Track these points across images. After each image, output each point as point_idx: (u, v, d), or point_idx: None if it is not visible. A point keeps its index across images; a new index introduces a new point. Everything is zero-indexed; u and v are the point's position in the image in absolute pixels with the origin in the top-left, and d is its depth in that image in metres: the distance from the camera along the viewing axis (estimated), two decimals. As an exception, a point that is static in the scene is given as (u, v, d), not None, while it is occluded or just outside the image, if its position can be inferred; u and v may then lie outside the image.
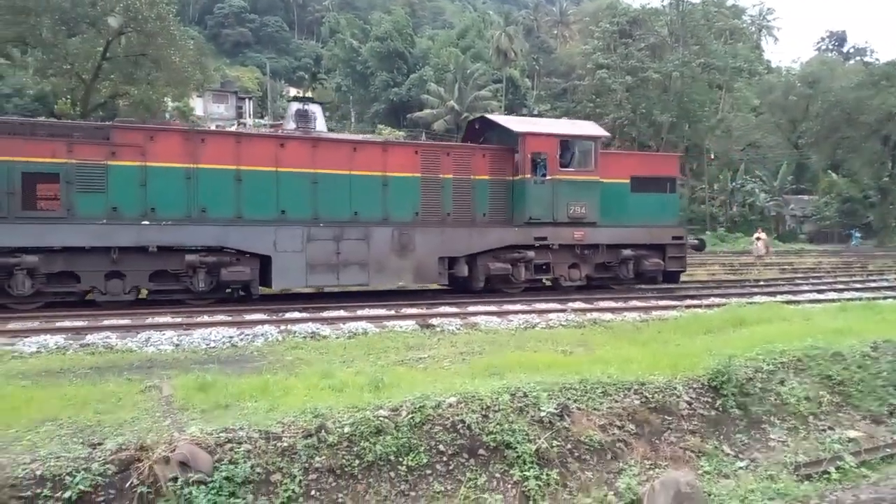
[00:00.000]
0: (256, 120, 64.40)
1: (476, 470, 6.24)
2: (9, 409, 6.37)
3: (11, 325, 11.39)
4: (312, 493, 5.65)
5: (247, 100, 71.09)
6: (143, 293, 14.12)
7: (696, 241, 19.17)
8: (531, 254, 16.32)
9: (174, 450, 5.26)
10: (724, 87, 53.31)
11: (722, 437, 7.43)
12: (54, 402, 6.62)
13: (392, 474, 5.97)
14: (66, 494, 4.99)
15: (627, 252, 17.25)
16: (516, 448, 6.36)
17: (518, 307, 14.24)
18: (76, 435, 5.63)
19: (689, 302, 15.57)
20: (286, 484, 5.55)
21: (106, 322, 11.77)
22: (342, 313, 13.14)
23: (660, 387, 7.46)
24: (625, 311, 14.09)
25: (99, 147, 13.55)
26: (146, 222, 13.57)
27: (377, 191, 15.35)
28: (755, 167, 62.75)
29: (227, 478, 5.32)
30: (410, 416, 6.26)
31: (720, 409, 7.59)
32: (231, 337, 10.78)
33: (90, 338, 10.55)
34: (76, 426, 5.87)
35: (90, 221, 13.21)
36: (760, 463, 7.23)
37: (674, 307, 14.79)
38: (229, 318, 12.33)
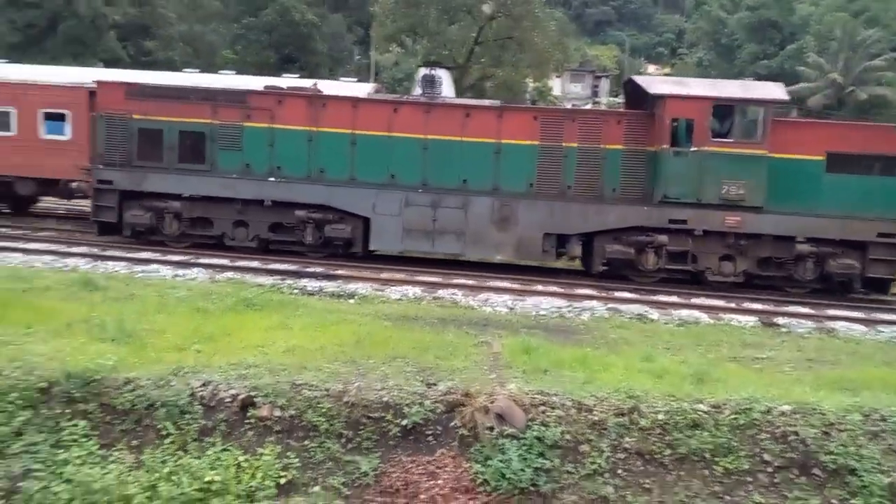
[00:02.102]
0: (610, 99, 64.52)
1: (808, 490, 5.53)
2: (372, 342, 7.55)
3: (384, 275, 13.39)
4: (619, 471, 5.61)
5: (602, 78, 71.59)
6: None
7: None
8: (663, 238, 13.72)
9: (493, 402, 5.67)
10: None
11: None
12: (405, 342, 7.63)
13: (706, 472, 5.62)
14: (404, 422, 5.76)
15: (804, 247, 13.54)
16: (863, 476, 5.46)
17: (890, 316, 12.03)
18: (418, 374, 6.43)
19: None
20: (593, 457, 5.60)
21: (455, 280, 13.13)
22: (675, 299, 12.59)
23: None
24: None
25: (237, 110, 14.88)
26: (272, 179, 14.66)
27: (488, 158, 14.45)
28: None
29: (537, 437, 5.56)
30: (734, 416, 5.79)
31: None
32: (560, 308, 11.14)
33: (441, 292, 11.91)
34: (418, 366, 6.70)
35: (226, 175, 14.72)
36: None
37: None
38: (561, 290, 12.74)
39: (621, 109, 15.60)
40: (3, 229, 15.97)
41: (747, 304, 12.52)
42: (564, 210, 14.17)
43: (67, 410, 5.72)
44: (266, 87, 16.09)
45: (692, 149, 13.51)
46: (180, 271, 12.52)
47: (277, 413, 5.76)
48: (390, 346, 7.42)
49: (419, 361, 6.85)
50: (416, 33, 33.59)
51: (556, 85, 57.14)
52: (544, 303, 11.45)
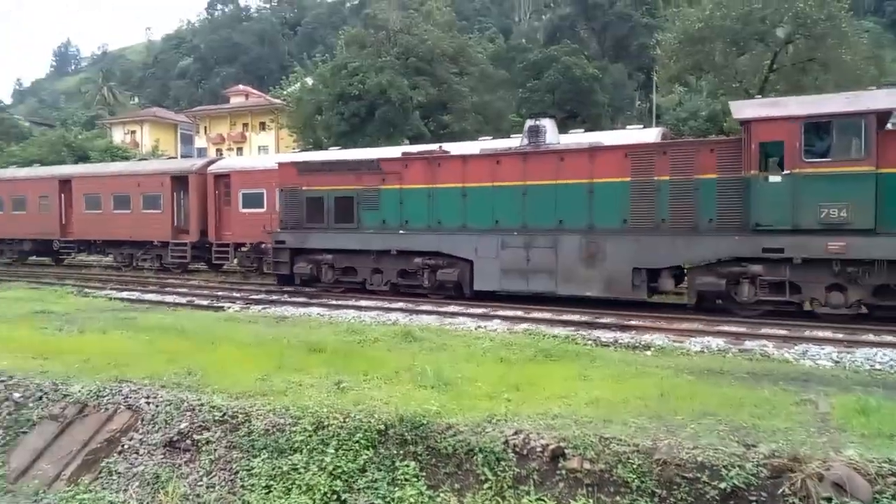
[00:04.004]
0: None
1: None
2: (677, 397, 7.23)
3: (679, 325, 12.82)
4: None
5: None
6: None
7: None
8: (757, 268, 13.09)
9: (829, 469, 5.05)
10: None
11: None
12: (714, 398, 7.17)
13: None
14: (721, 485, 5.39)
15: None
16: None
17: None
18: (732, 433, 5.99)
19: None
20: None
21: (763, 330, 12.04)
22: None
23: None
24: None
25: (375, 175, 17.41)
26: (403, 232, 16.94)
27: (583, 198, 14.88)
28: None
29: (888, 513, 4.80)
30: None
31: None
32: (902, 361, 9.56)
33: (748, 343, 11.01)
34: (732, 424, 6.23)
35: (366, 231, 17.41)
36: None
37: None
38: (900, 340, 10.95)
39: (716, 137, 14.71)
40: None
41: None
42: (652, 243, 14.11)
43: (401, 451, 6.42)
44: (403, 154, 18.28)
45: (784, 172, 12.73)
46: (482, 323, 13.41)
47: (587, 466, 5.80)
48: (697, 402, 7.03)
49: (732, 420, 6.38)
50: (702, 70, 32.31)
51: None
52: (879, 355, 9.91)
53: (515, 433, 6.17)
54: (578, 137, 17.90)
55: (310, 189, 18.43)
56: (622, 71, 51.47)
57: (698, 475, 5.53)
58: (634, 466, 5.70)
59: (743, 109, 13.73)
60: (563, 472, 5.86)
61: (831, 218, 12.34)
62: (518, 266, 15.38)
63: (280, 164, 19.93)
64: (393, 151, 19.80)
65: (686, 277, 14.15)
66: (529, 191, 15.47)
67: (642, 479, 5.66)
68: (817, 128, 12.69)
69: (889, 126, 13.18)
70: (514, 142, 17.19)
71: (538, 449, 6.02)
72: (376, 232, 17.39)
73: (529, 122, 16.47)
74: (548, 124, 16.17)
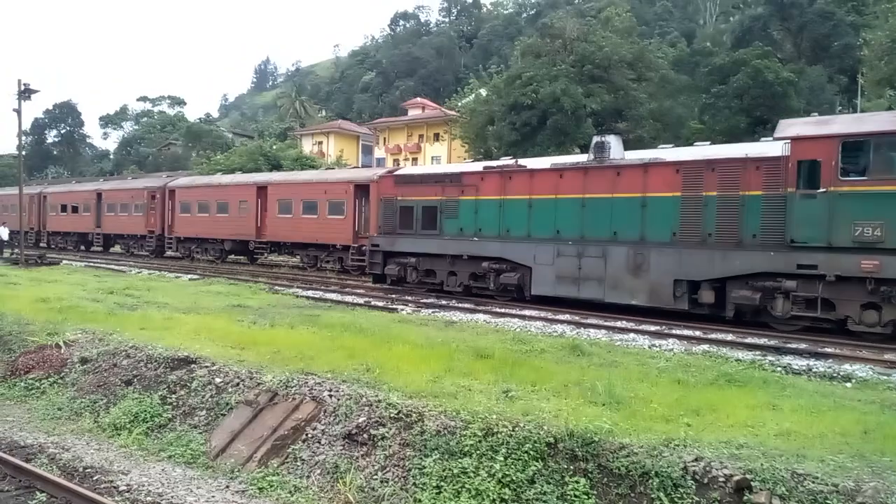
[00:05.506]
0: None
1: None
2: (884, 436, 6.44)
3: (888, 356, 11.43)
4: None
5: None
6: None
7: None
8: (790, 284, 13.21)
9: None
10: None
11: None
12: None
13: None
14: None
15: None
16: None
17: None
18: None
19: None
20: None
21: None
22: None
23: None
24: None
25: (456, 187, 19.04)
26: (475, 239, 18.37)
27: (636, 212, 15.52)
28: None
29: None
30: None
31: None
32: None
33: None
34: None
35: (444, 237, 19.06)
36: None
37: None
38: None
39: (763, 155, 14.07)
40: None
41: None
42: (693, 257, 14.55)
43: (570, 467, 6.28)
44: (485, 167, 19.65)
45: (820, 190, 12.94)
46: (656, 341, 12.85)
47: (776, 502, 5.31)
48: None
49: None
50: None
51: None
52: None
53: (696, 460, 5.81)
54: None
55: (403, 199, 20.29)
56: (821, 74, 47.06)
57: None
58: (834, 510, 5.15)
59: (786, 128, 14.05)
60: (749, 506, 5.43)
61: (864, 236, 12.50)
62: (571, 274, 16.35)
63: (381, 177, 21.94)
64: (477, 167, 21.47)
65: (727, 291, 14.26)
66: (588, 203, 16.31)
67: (842, 525, 5.09)
68: (857, 146, 12.81)
69: None
70: (583, 158, 18.02)
71: (721, 479, 5.61)
72: (453, 238, 18.95)
73: (595, 139, 17.39)
74: (612, 140, 16.97)
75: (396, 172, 22.54)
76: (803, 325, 13.47)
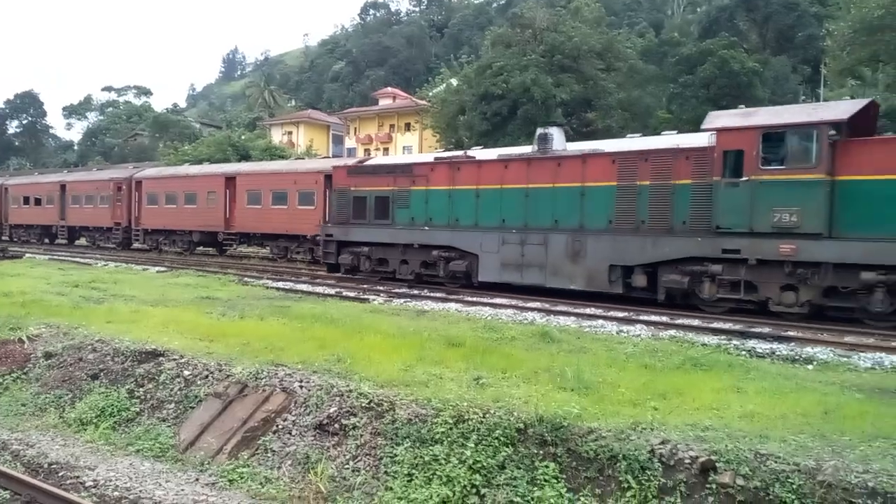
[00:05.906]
0: None
1: None
2: (843, 417, 6.63)
3: (848, 339, 11.74)
4: None
5: None
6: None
7: None
8: (716, 268, 14.03)
9: None
10: None
11: None
12: (887, 420, 6.50)
13: None
14: (897, 515, 4.87)
15: (869, 275, 12.27)
16: None
17: None
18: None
19: None
20: None
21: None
22: None
23: None
24: None
25: (407, 178, 19.54)
26: (426, 228, 18.87)
27: (576, 201, 16.18)
28: None
29: None
30: None
31: None
32: None
33: (931, 363, 9.85)
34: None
35: (396, 227, 19.57)
36: None
37: None
38: None
39: (693, 146, 14.67)
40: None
41: None
42: (627, 243, 15.20)
43: (540, 452, 6.35)
44: (436, 158, 20.29)
45: (743, 179, 13.58)
46: (624, 327, 13.01)
47: (740, 482, 5.44)
48: (867, 423, 6.40)
49: None
50: (880, 61, 29.42)
51: None
52: None
53: (662, 443, 5.91)
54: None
55: (357, 189, 20.82)
56: (785, 64, 47.81)
57: (869, 501, 5.03)
58: (794, 487, 5.28)
59: (714, 120, 14.63)
60: (714, 486, 5.54)
61: (782, 222, 13.22)
62: (515, 261, 16.98)
63: (335, 168, 22.34)
64: (428, 157, 22.12)
65: (658, 275, 14.89)
66: (531, 193, 16.95)
67: (802, 501, 5.23)
68: (776, 137, 13.46)
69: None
70: (528, 149, 18.34)
71: (686, 461, 5.73)
72: (405, 228, 19.47)
73: (539, 131, 17.85)
74: (555, 133, 17.54)
75: (349, 164, 23.01)
76: (728, 307, 14.18)
